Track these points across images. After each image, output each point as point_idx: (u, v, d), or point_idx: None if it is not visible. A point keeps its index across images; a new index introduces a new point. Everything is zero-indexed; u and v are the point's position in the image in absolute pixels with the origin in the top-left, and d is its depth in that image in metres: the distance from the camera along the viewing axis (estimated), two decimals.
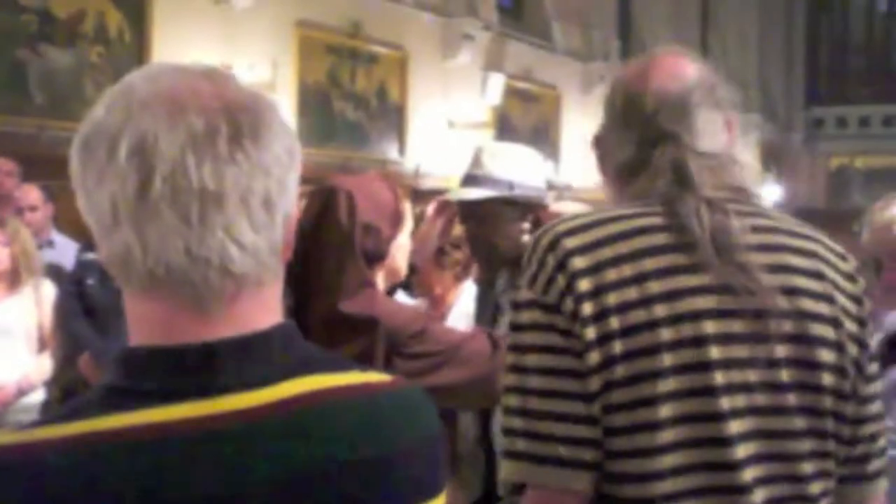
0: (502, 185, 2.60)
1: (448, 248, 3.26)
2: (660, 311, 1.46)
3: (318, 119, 10.13)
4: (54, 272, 4.99)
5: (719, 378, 1.45)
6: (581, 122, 14.34)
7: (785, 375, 1.47)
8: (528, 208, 2.66)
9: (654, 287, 1.47)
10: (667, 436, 1.45)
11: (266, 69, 9.16)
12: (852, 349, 1.51)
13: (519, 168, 2.64)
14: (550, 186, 2.69)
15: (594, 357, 1.45)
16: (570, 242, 1.51)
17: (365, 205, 2.26)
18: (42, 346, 4.73)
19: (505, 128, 12.70)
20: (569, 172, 13.95)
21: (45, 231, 5.70)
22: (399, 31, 11.15)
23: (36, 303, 4.69)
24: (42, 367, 4.69)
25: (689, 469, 1.45)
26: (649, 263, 1.48)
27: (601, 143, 1.69)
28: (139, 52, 8.36)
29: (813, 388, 1.49)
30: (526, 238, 2.67)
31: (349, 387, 1.03)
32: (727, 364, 1.45)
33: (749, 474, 1.45)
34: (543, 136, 13.81)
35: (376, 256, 2.29)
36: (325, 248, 2.26)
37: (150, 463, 0.90)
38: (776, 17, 22.04)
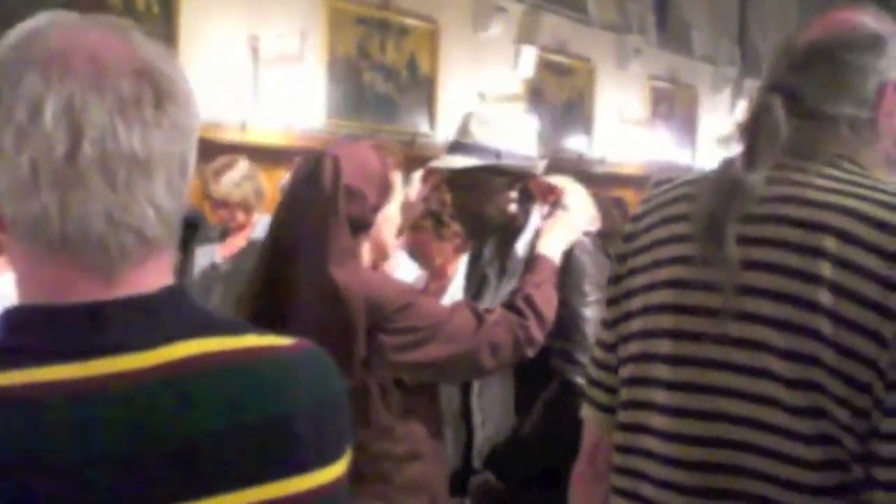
0: (489, 154, 2.57)
1: (447, 220, 3.23)
2: (639, 280, 1.53)
3: (348, 91, 10.08)
4: None
5: (666, 347, 1.47)
6: (616, 95, 14.22)
7: (719, 353, 1.41)
8: (516, 177, 2.63)
9: (646, 258, 1.53)
10: (622, 396, 1.58)
11: (294, 40, 9.13)
12: (848, 337, 1.29)
13: (507, 136, 2.61)
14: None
15: (608, 314, 1.64)
16: (639, 207, 1.62)
17: (350, 170, 2.28)
18: None
19: (538, 101, 12.58)
20: (602, 146, 13.86)
21: None
22: (430, 2, 11.07)
23: None
24: None
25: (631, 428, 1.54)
26: (660, 232, 1.52)
27: None
28: (167, 23, 8.36)
29: (754, 372, 1.37)
30: (513, 207, 2.64)
31: (237, 350, 1.01)
32: (676, 335, 1.46)
33: (673, 449, 1.45)
34: (577, 110, 13.68)
35: (361, 224, 2.30)
36: (309, 213, 2.27)
37: (24, 423, 0.89)
38: None
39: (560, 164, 11.82)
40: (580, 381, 2.44)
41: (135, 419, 0.92)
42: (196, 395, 0.96)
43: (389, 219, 2.38)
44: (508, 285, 2.62)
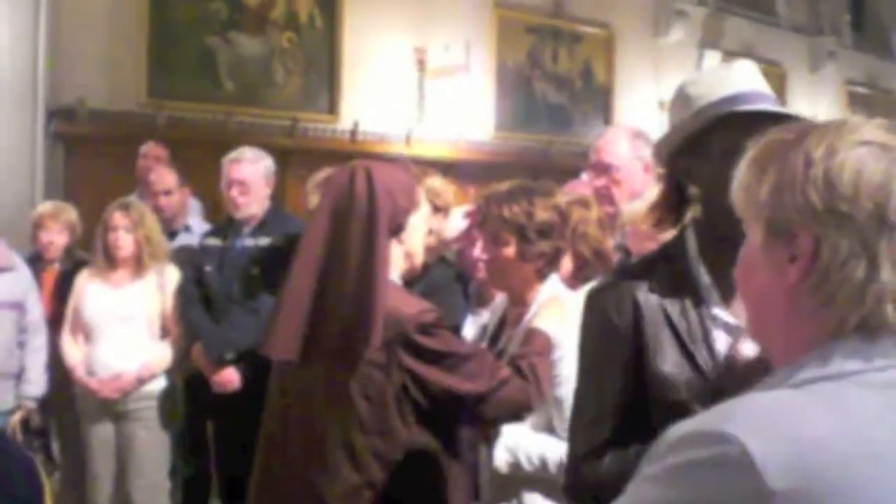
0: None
1: (533, 236, 2.71)
2: None
3: (518, 102, 9.80)
4: (185, 257, 4.86)
5: None
6: (809, 101, 13.38)
7: None
8: None
9: None
10: None
11: (461, 51, 8.88)
12: None
13: None
14: None
15: None
16: None
17: (381, 176, 2.49)
18: (164, 332, 4.65)
19: None
20: None
21: (182, 215, 5.61)
22: (605, 8, 10.64)
23: (159, 289, 4.59)
24: (163, 354, 4.61)
25: None
26: None
27: None
28: (330, 37, 8.28)
29: None
30: None
31: None
32: None
33: None
34: None
35: (395, 225, 2.49)
36: (350, 217, 2.45)
37: None
38: None
39: None
40: None
41: None
42: None
43: (418, 227, 2.59)
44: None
